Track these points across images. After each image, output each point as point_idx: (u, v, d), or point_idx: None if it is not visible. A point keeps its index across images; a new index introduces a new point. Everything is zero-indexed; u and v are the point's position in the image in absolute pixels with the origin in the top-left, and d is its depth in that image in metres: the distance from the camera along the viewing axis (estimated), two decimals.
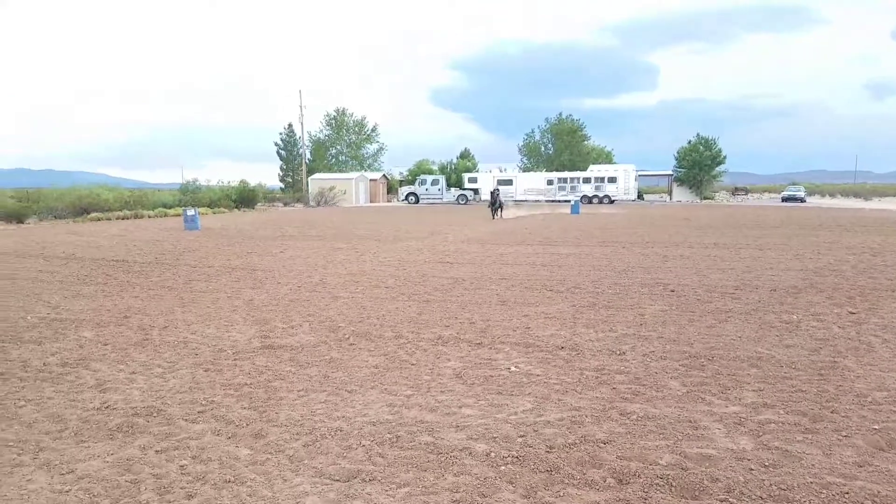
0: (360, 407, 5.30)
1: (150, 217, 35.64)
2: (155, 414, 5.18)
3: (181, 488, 3.93)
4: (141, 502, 3.76)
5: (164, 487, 3.94)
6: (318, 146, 74.38)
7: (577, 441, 4.56)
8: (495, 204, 32.26)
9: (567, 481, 3.99)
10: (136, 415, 5.15)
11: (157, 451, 4.48)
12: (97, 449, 4.54)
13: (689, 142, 65.89)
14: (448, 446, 4.49)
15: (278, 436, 4.73)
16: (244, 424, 4.95)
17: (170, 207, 38.97)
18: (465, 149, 77.65)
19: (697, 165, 64.22)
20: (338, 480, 4.04)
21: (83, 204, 35.19)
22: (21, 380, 6.11)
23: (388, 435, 4.70)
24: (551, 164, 75.50)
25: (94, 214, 33.95)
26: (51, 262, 15.21)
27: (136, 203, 38.41)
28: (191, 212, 26.31)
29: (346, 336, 7.66)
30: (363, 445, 4.54)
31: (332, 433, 4.75)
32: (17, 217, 31.44)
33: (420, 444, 4.55)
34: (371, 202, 61.11)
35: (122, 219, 33.88)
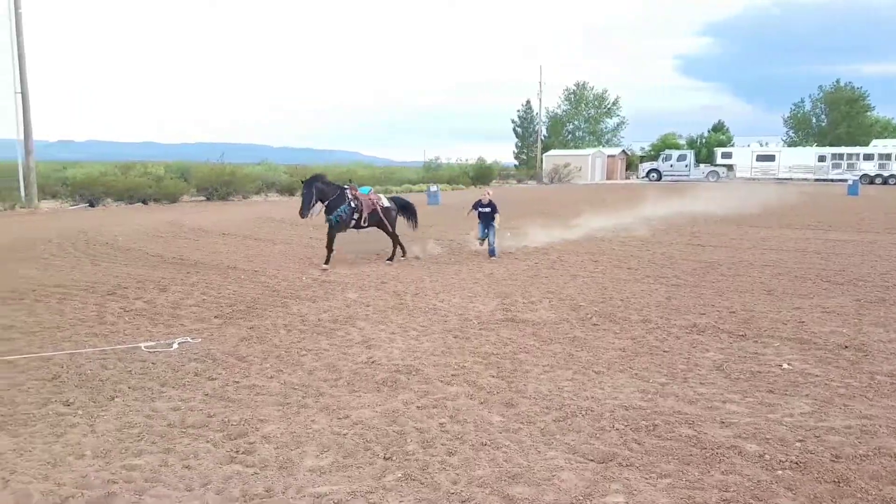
0: (610, 389, 5.13)
1: (396, 192, 38.58)
2: (414, 373, 5.52)
3: (442, 444, 4.13)
4: (408, 452, 4.02)
5: (427, 442, 4.17)
6: (555, 122, 73.73)
7: (870, 453, 3.93)
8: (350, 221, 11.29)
9: (860, 496, 3.45)
10: (398, 372, 5.54)
11: (418, 408, 4.76)
12: (367, 399, 4.95)
13: None
14: (713, 442, 4.13)
15: (528, 407, 4.75)
16: (495, 392, 5.06)
17: (414, 184, 41.74)
18: (719, 121, 70.52)
19: None
20: (592, 460, 3.93)
21: (343, 179, 39.15)
22: (301, 332, 6.91)
23: (644, 422, 4.47)
24: (824, 138, 66.43)
25: None
26: (319, 230, 17.11)
27: (385, 179, 41.81)
28: (433, 188, 27.96)
29: (589, 316, 7.49)
30: (616, 429, 4.37)
31: (583, 412, 4.65)
32: (289, 190, 35.97)
33: (680, 435, 4.25)
34: (608, 179, 59.17)
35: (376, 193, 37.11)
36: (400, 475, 3.73)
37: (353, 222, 11.29)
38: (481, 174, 48.45)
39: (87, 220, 19.83)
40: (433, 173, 46.26)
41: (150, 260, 11.77)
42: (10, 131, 25.00)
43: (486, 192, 12.28)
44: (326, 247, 11.15)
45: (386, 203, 11.93)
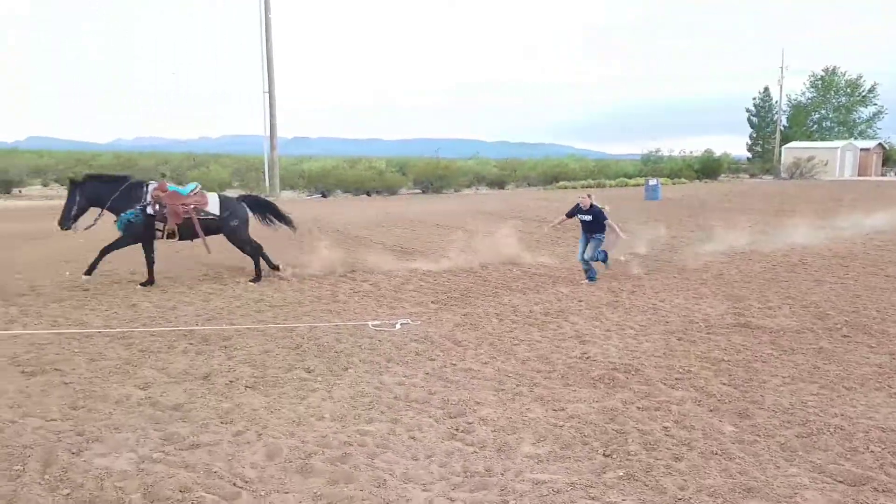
0: (863, 408, 4.49)
1: (610, 186, 37.50)
2: (633, 372, 5.28)
3: (667, 449, 3.89)
4: (629, 452, 3.84)
5: (651, 444, 3.95)
6: (798, 111, 65.63)
7: None
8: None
9: None
10: (616, 370, 5.33)
11: (638, 408, 4.53)
12: (582, 394, 4.83)
13: None
14: None
15: (766, 420, 4.30)
16: (726, 400, 4.66)
17: (630, 178, 40.28)
18: None
19: None
20: (842, 482, 3.49)
21: (553, 173, 39.13)
22: (513, 322, 6.97)
23: None
24: None
25: (561, 183, 37.38)
26: (527, 223, 17.19)
27: (598, 173, 40.94)
28: (652, 182, 26.62)
29: (838, 326, 6.62)
30: (871, 451, 3.82)
31: (831, 430, 4.12)
32: (499, 183, 36.81)
33: None
34: (860, 176, 51.57)
35: (586, 188, 36.48)
36: (622, 474, 3.58)
37: (160, 233, 8.67)
38: (708, 167, 45.10)
39: (320, 208, 22.06)
40: (652, 166, 44.09)
41: (374, 247, 12.69)
42: (258, 128, 28.49)
43: (587, 195, 9.29)
44: (101, 251, 8.55)
45: (215, 209, 8.94)
